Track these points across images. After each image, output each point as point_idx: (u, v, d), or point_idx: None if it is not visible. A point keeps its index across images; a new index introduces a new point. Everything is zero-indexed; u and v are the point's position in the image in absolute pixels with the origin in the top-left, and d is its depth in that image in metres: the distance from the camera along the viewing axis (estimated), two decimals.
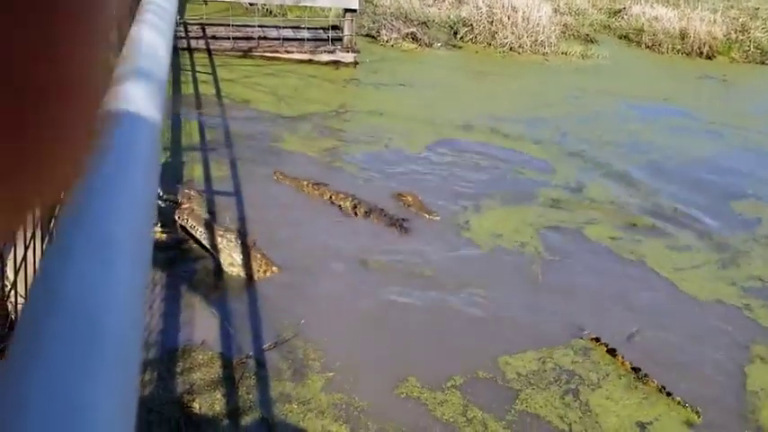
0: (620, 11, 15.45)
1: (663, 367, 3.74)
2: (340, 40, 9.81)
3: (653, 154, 7.30)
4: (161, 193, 4.69)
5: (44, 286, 0.34)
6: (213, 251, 4.12)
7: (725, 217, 5.88)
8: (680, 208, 5.93)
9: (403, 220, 5.06)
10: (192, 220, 4.19)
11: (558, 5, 14.52)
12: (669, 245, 5.26)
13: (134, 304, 0.39)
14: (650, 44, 13.45)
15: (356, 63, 9.59)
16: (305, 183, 5.40)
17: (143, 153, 0.57)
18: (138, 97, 0.97)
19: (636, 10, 14.80)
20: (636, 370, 3.66)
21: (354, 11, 9.67)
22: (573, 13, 14.68)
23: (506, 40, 11.75)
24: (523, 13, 11.97)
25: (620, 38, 14.10)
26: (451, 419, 3.18)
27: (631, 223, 5.55)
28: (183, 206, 4.27)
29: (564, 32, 12.97)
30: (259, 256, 4.17)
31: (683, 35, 13.35)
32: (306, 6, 10.33)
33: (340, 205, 5.18)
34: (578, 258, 4.90)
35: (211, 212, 4.66)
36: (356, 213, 5.09)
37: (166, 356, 3.32)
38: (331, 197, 5.26)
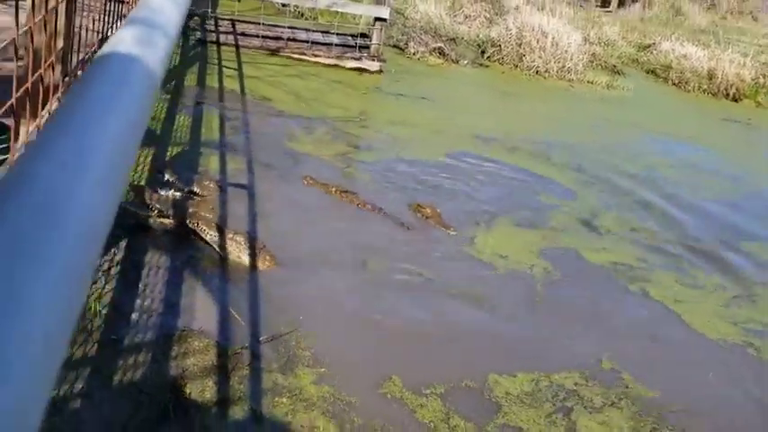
0: (649, 46, 15.44)
1: (676, 406, 3.70)
2: (367, 47, 9.86)
3: (670, 188, 7.26)
4: (175, 182, 4.70)
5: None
6: (221, 252, 4.14)
7: (737, 256, 5.83)
8: (693, 244, 5.89)
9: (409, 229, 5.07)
10: (202, 224, 4.23)
11: (589, 35, 14.52)
12: (678, 279, 5.21)
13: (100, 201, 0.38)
14: (677, 81, 13.41)
15: (381, 72, 9.63)
16: (333, 188, 5.43)
17: (134, 92, 0.56)
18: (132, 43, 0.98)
19: (665, 46, 14.78)
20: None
21: (384, 20, 9.71)
22: (602, 43, 14.67)
23: (533, 64, 11.75)
24: (553, 38, 11.98)
25: (648, 72, 14.07)
26: (432, 424, 3.15)
27: (641, 254, 5.51)
28: (195, 212, 4.30)
29: (591, 62, 12.96)
30: (268, 257, 4.17)
31: (710, 75, 13.30)
32: (337, 12, 10.39)
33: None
34: (583, 284, 4.86)
35: (223, 205, 4.65)
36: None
37: (162, 340, 3.31)
38: (358, 205, 5.29)
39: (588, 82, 11.99)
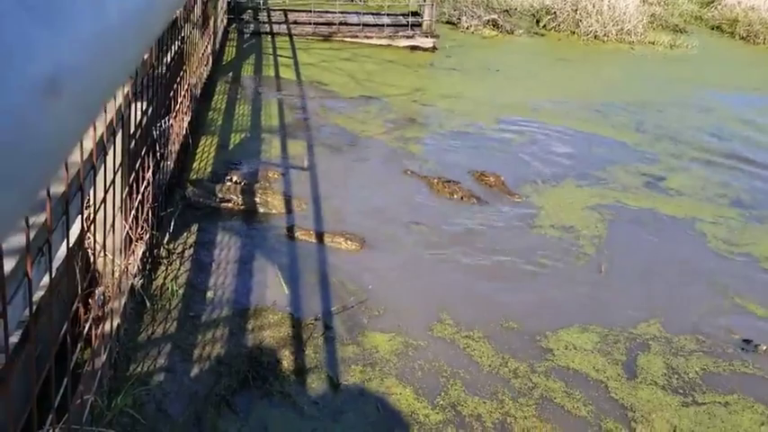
0: (712, 1, 14.82)
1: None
2: (419, 25, 9.79)
3: (736, 142, 6.98)
4: (239, 175, 4.80)
5: None
6: (288, 230, 4.24)
7: None
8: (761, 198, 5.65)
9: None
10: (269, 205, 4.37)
11: None
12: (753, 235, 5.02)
13: None
14: (744, 35, 12.83)
15: (435, 48, 9.55)
16: (435, 180, 5.23)
17: None
18: None
19: (730, 0, 14.16)
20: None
21: None
22: (662, 2, 14.17)
23: (591, 29, 11.45)
24: (609, 1, 11.64)
25: (712, 29, 13.51)
26: (493, 369, 3.14)
27: (716, 211, 5.32)
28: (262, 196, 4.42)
29: (651, 22, 12.53)
30: (342, 240, 4.20)
31: None
32: None
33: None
34: (651, 243, 4.74)
35: (287, 193, 4.71)
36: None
37: (238, 314, 3.40)
38: (462, 198, 5.03)
39: (649, 43, 11.60)
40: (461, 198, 5.02)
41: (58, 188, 1.90)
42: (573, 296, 3.97)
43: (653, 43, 11.62)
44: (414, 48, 9.51)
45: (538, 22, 11.98)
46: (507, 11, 12.16)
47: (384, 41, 9.58)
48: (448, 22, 11.24)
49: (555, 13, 11.87)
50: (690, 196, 5.55)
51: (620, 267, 4.34)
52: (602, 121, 7.23)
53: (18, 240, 1.65)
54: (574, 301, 3.91)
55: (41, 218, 1.77)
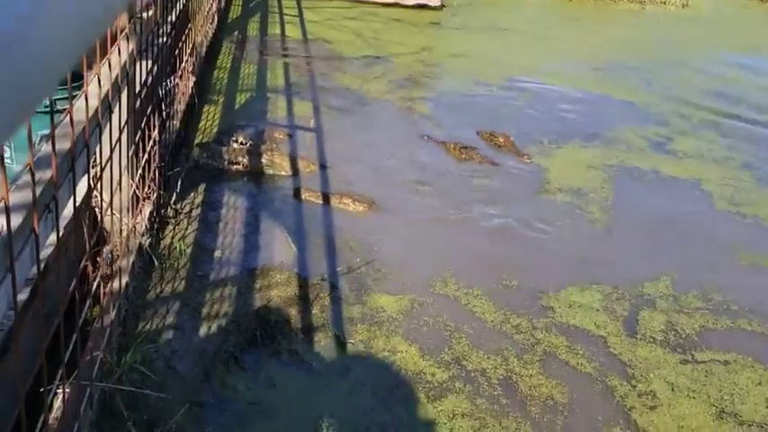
0: None
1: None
2: None
3: (745, 105, 6.90)
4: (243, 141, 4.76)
5: None
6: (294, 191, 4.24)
7: None
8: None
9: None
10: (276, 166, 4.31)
11: None
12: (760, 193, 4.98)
13: None
14: None
15: (443, 6, 9.41)
16: (452, 146, 5.14)
17: None
18: None
19: None
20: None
21: None
22: None
23: None
24: None
25: None
26: (495, 324, 3.16)
27: (716, 172, 5.28)
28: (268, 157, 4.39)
29: None
30: (350, 201, 4.18)
31: None
32: None
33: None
34: (655, 203, 4.71)
35: (294, 155, 4.68)
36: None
37: (246, 274, 3.41)
38: (480, 162, 4.96)
39: (661, 2, 11.41)
40: (477, 162, 4.97)
41: (64, 144, 1.89)
42: (578, 254, 3.97)
43: (664, 3, 11.42)
44: (421, 6, 9.38)
45: None
46: None
47: (391, 0, 9.44)
48: None
49: None
50: (696, 158, 5.51)
51: (626, 227, 4.32)
52: (610, 82, 7.15)
53: (24, 196, 1.65)
54: (579, 260, 3.91)
55: (47, 174, 1.76)
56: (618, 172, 5.08)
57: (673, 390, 3.03)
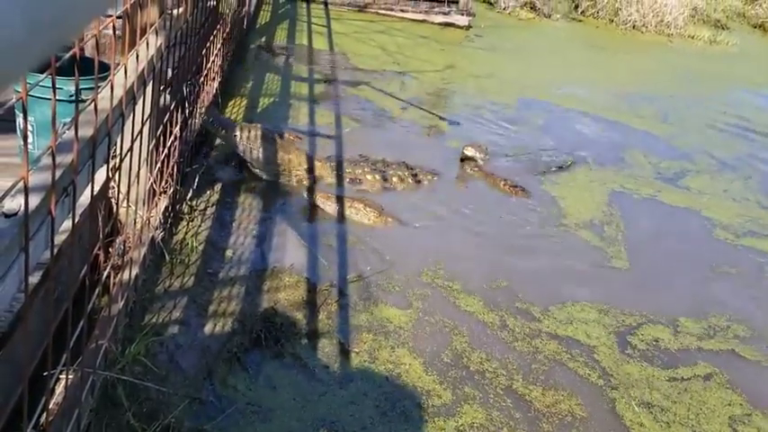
0: None
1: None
2: (456, 2, 9.69)
3: (760, 143, 6.88)
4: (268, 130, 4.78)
5: None
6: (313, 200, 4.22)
7: None
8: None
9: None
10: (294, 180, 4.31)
11: None
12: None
13: None
14: None
15: (469, 27, 9.45)
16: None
17: None
18: None
19: None
20: None
21: None
22: None
23: (630, 18, 11.26)
24: None
25: (755, 27, 13.25)
26: (492, 327, 3.13)
27: (737, 210, 5.24)
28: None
29: (693, 16, 12.30)
30: (362, 207, 4.19)
31: None
32: None
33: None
34: (662, 234, 4.68)
35: (311, 159, 4.69)
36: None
37: (255, 274, 3.42)
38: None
39: (689, 37, 11.40)
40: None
41: (87, 131, 1.91)
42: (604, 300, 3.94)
43: (692, 37, 11.41)
44: (448, 24, 9.42)
45: (576, 7, 11.81)
46: None
47: (419, 16, 9.49)
48: (485, 1, 11.12)
49: None
50: (707, 193, 5.46)
51: (636, 259, 4.30)
52: (628, 111, 7.14)
53: (44, 178, 1.66)
54: (582, 279, 3.88)
55: (68, 159, 1.78)
56: (625, 199, 5.06)
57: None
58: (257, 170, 4.39)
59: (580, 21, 11.38)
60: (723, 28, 12.50)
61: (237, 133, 4.40)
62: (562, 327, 3.50)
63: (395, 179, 4.65)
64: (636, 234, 4.58)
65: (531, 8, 11.00)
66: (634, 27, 11.25)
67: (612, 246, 4.37)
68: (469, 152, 5.12)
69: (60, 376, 2.15)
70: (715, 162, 6.14)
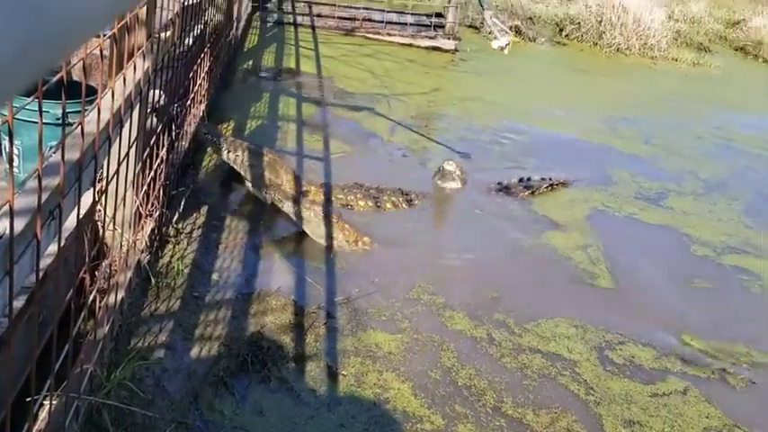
0: (738, 22, 14.73)
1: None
2: (442, 27, 9.79)
3: (743, 163, 6.98)
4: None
5: None
6: (299, 221, 4.15)
7: None
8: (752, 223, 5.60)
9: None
10: (279, 195, 4.21)
11: (673, 11, 13.98)
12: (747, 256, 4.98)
13: None
14: None
15: (456, 51, 9.54)
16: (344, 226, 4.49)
17: None
18: None
19: (757, 22, 14.06)
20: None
21: None
22: (687, 20, 14.10)
23: (614, 41, 11.40)
24: (635, 14, 11.58)
25: (736, 50, 13.44)
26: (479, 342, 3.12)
27: (716, 228, 5.29)
28: (273, 184, 4.33)
29: (676, 39, 12.47)
30: (347, 226, 4.17)
31: None
32: None
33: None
34: (641, 251, 4.72)
35: (298, 176, 4.68)
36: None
37: (241, 298, 3.40)
38: None
39: (672, 59, 11.55)
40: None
41: (73, 154, 1.91)
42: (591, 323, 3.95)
43: (676, 60, 11.56)
44: (435, 48, 9.51)
45: (561, 31, 11.95)
46: (531, 18, 12.14)
47: (406, 40, 9.57)
48: (470, 26, 11.24)
49: (579, 23, 11.84)
50: (689, 213, 5.50)
51: (618, 277, 4.32)
52: (611, 133, 7.22)
53: (30, 201, 1.66)
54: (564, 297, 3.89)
55: (54, 181, 1.78)
56: (605, 218, 5.10)
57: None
58: (250, 184, 4.38)
59: (565, 44, 11.52)
60: (706, 51, 12.69)
61: (228, 146, 4.42)
62: (544, 342, 3.50)
63: (388, 205, 4.63)
64: (618, 253, 4.60)
65: (517, 32, 11.11)
66: (618, 50, 11.39)
67: (596, 265, 4.38)
68: (449, 167, 5.17)
69: (44, 402, 2.12)
70: (699, 182, 6.20)
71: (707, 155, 7.06)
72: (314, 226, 4.12)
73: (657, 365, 3.51)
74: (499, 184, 5.31)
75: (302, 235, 4.12)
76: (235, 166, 4.41)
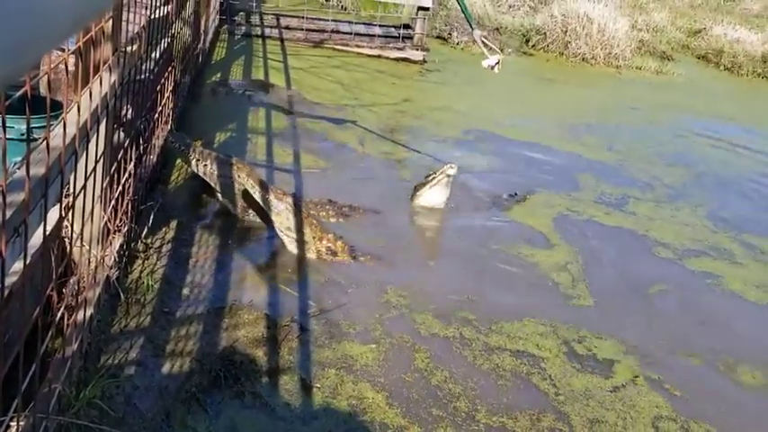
0: (700, 31, 15.05)
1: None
2: (410, 38, 9.85)
3: (701, 167, 7.14)
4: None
5: None
6: (270, 212, 4.08)
7: (765, 228, 5.80)
8: (719, 224, 5.72)
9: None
10: (251, 179, 4.14)
11: (636, 21, 14.23)
12: (710, 258, 5.08)
13: None
14: (729, 66, 13.05)
15: (424, 62, 9.60)
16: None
17: None
18: None
19: (717, 31, 14.39)
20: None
21: (427, 9, 9.69)
22: (651, 29, 14.36)
23: (579, 51, 11.58)
24: (599, 24, 11.77)
25: (699, 58, 13.73)
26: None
27: (674, 229, 5.38)
28: (241, 168, 4.24)
29: (640, 48, 12.71)
30: (315, 222, 4.12)
31: (765, 59, 12.91)
32: (379, 3, 10.42)
33: None
34: (607, 260, 4.79)
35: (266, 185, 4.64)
36: None
37: (213, 312, 3.37)
38: None
39: (636, 68, 11.76)
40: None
41: (39, 170, 1.88)
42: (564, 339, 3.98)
43: (640, 68, 11.77)
44: (403, 59, 9.55)
45: (527, 41, 12.10)
46: (498, 29, 12.28)
47: (374, 52, 9.61)
48: (438, 37, 11.32)
49: (545, 33, 12.00)
50: (650, 218, 5.59)
51: (586, 281, 4.36)
52: (574, 140, 7.34)
53: None
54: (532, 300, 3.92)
55: (19, 197, 1.74)
56: (571, 223, 5.16)
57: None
58: (219, 194, 4.34)
59: (531, 55, 11.66)
60: (669, 59, 12.94)
61: (197, 156, 4.36)
62: (514, 342, 3.53)
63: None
64: (587, 258, 4.65)
65: (484, 43, 11.22)
66: (583, 59, 11.56)
67: (564, 271, 4.43)
68: (452, 171, 4.95)
69: (11, 423, 2.07)
70: (659, 188, 6.30)
71: (670, 160, 7.18)
72: (283, 218, 4.05)
73: (614, 358, 3.54)
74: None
75: (274, 248, 4.09)
76: (204, 176, 4.37)
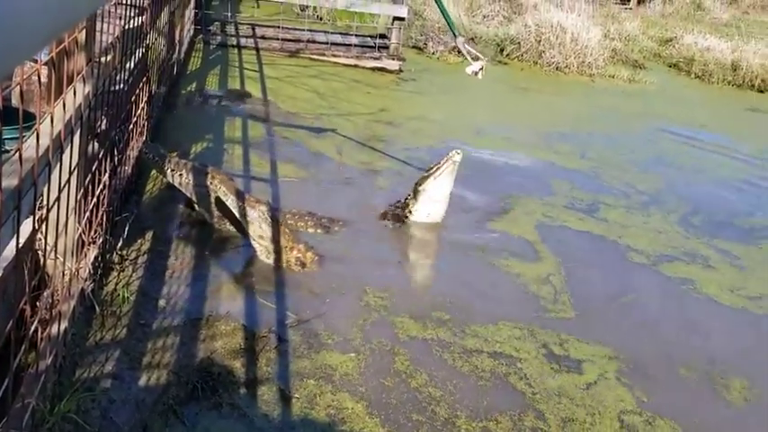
0: (671, 39, 15.29)
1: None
2: (386, 47, 9.89)
3: (672, 172, 7.26)
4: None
5: None
6: (243, 220, 4.06)
7: (737, 233, 5.89)
8: (691, 229, 5.81)
9: None
10: (224, 187, 4.11)
11: (609, 31, 14.42)
12: (687, 263, 5.15)
13: None
14: (700, 74, 13.26)
15: (400, 71, 9.65)
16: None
17: None
18: None
19: (688, 40, 14.62)
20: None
21: (403, 20, 9.75)
22: (623, 39, 14.56)
23: (553, 60, 11.70)
24: (572, 34, 11.92)
25: (670, 66, 13.94)
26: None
27: (641, 235, 5.46)
28: (215, 174, 4.20)
29: (612, 57, 12.88)
30: (287, 232, 4.10)
31: (734, 67, 13.13)
32: (355, 13, 10.45)
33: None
34: (584, 267, 4.84)
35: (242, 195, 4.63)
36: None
37: (190, 324, 3.34)
38: None
39: (609, 76, 11.91)
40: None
41: (12, 181, 1.86)
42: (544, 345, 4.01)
43: (612, 77, 11.93)
44: (380, 69, 9.59)
45: (502, 50, 12.20)
46: (473, 38, 12.37)
47: (351, 61, 9.63)
48: (414, 47, 11.39)
49: (519, 42, 12.11)
50: (620, 224, 5.66)
51: (562, 284, 4.40)
52: (548, 149, 7.41)
53: None
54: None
55: None
56: (546, 230, 5.21)
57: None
58: (195, 203, 4.29)
59: (506, 64, 11.77)
60: (641, 67, 13.13)
61: (172, 166, 4.30)
62: (494, 345, 3.55)
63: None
64: (565, 263, 4.70)
65: (459, 53, 11.28)
66: (557, 68, 11.69)
67: (545, 282, 4.46)
68: (458, 157, 4.78)
69: None
70: (632, 194, 6.39)
71: (642, 167, 7.28)
72: (256, 226, 4.02)
73: (585, 358, 3.58)
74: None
75: (250, 258, 4.07)
76: (179, 187, 4.32)
